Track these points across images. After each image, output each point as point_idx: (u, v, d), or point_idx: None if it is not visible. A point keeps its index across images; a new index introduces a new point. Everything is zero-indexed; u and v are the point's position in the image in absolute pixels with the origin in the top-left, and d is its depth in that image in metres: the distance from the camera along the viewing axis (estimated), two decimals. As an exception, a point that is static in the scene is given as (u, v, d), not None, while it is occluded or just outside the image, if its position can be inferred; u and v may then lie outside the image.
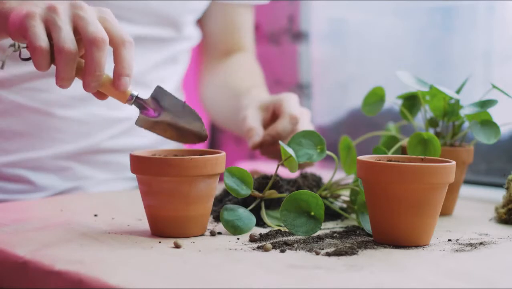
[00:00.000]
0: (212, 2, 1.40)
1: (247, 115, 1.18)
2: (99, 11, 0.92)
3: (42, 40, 0.87)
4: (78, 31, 0.89)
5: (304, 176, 1.06)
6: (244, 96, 1.29)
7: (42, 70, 0.89)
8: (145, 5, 1.26)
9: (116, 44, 0.90)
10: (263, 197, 0.97)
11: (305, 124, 1.16)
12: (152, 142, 1.35)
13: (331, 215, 1.01)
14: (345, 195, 1.03)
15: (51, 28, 0.88)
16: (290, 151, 0.93)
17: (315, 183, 1.06)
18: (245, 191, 0.93)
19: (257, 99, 1.23)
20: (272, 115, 1.19)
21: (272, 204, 0.99)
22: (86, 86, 0.89)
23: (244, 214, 0.93)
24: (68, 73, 0.88)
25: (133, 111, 1.29)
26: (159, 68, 1.34)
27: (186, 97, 1.48)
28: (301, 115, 1.15)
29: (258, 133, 1.15)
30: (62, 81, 0.89)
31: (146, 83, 1.33)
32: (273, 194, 0.97)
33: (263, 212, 0.96)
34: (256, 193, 0.96)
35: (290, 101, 1.17)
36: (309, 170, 1.18)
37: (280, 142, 0.95)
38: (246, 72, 1.42)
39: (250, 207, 0.95)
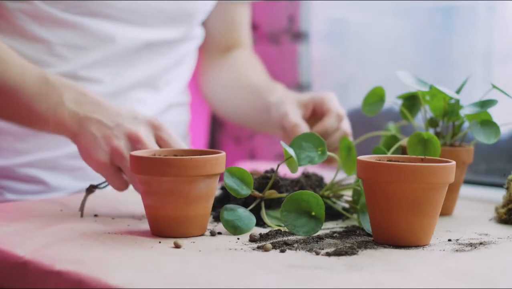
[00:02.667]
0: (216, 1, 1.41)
1: (288, 111, 1.19)
2: (154, 128, 1.03)
3: (122, 185, 1.03)
4: None
5: (306, 176, 1.06)
6: (270, 93, 1.29)
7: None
8: (158, 8, 1.26)
9: None
10: (263, 197, 0.97)
11: (346, 122, 1.18)
12: None
13: (332, 215, 1.01)
14: (347, 195, 1.03)
15: (124, 171, 1.01)
16: (291, 151, 0.93)
17: (317, 182, 1.06)
18: (245, 191, 0.93)
19: (293, 96, 1.24)
20: (312, 113, 1.20)
21: (272, 204, 0.99)
22: None
23: (244, 214, 0.93)
24: None
25: (146, 111, 1.29)
26: (167, 71, 1.34)
27: (192, 96, 1.48)
28: (343, 114, 1.18)
29: (304, 130, 1.15)
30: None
31: (155, 86, 1.33)
32: (273, 194, 0.97)
33: (263, 212, 0.96)
34: (256, 193, 0.96)
35: (333, 100, 1.19)
36: (310, 169, 1.18)
37: (281, 142, 0.95)
38: (255, 68, 1.43)
39: (250, 207, 0.95)
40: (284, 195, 0.97)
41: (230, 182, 0.92)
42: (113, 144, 1.01)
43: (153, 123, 1.03)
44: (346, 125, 1.18)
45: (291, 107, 1.19)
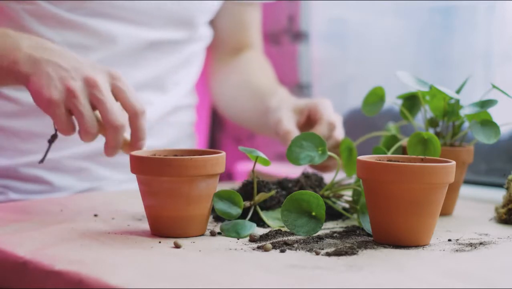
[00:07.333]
0: (223, 1, 1.41)
1: (282, 117, 1.18)
2: (111, 78, 1.00)
3: (69, 128, 0.99)
4: (96, 108, 0.99)
5: (307, 176, 1.06)
6: (271, 97, 1.29)
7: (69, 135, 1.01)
8: (160, 8, 1.27)
9: (131, 116, 1.00)
10: (255, 203, 0.96)
11: (339, 130, 1.17)
12: (169, 143, 1.35)
13: (332, 215, 1.01)
14: (348, 195, 1.03)
15: (73, 112, 0.98)
16: (254, 152, 0.93)
17: (317, 182, 1.06)
18: (235, 211, 0.92)
19: (290, 102, 1.23)
20: (307, 119, 1.20)
21: (266, 203, 0.99)
22: (107, 154, 1.01)
23: (243, 222, 0.92)
24: (91, 140, 1.01)
25: (150, 113, 1.30)
26: (174, 71, 1.34)
27: (199, 98, 1.48)
28: (337, 121, 1.17)
29: None
30: (87, 141, 1.01)
31: (162, 87, 1.33)
32: (262, 197, 0.96)
33: (263, 215, 0.96)
34: (247, 203, 0.96)
35: (327, 107, 1.18)
36: (310, 169, 1.18)
37: (240, 147, 0.95)
38: (262, 71, 1.43)
39: (248, 218, 0.95)
40: (272, 192, 0.97)
41: (220, 206, 0.92)
42: (68, 83, 0.98)
43: (111, 73, 1.01)
44: (339, 134, 1.17)
45: (285, 113, 1.19)
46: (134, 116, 1.00)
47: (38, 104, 0.99)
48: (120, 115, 0.98)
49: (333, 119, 1.16)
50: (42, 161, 1.05)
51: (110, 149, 1.00)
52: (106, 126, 0.98)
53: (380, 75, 1.60)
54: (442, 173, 0.85)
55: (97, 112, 1.00)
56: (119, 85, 1.00)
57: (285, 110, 1.20)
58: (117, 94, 1.00)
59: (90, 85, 0.98)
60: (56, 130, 1.01)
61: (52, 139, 1.03)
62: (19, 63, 1.00)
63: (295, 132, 1.16)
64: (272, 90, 1.32)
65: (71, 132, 1.00)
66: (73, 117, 0.99)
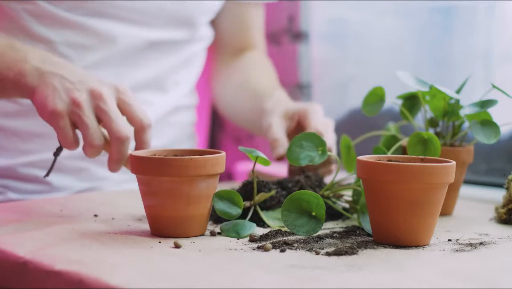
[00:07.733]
0: (224, 1, 1.41)
1: (272, 124, 1.19)
2: (117, 91, 1.00)
3: (73, 142, 0.99)
4: (101, 122, 0.99)
5: (306, 176, 1.06)
6: (267, 98, 1.29)
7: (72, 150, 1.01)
8: (161, 7, 1.27)
9: (137, 129, 1.01)
10: (254, 203, 0.96)
11: (329, 137, 1.17)
12: (169, 143, 1.35)
13: (332, 214, 1.01)
14: (348, 195, 1.03)
15: (78, 124, 0.98)
16: (254, 152, 0.93)
17: (317, 182, 1.06)
18: (235, 211, 0.92)
19: (281, 106, 1.23)
20: (297, 124, 1.20)
21: (266, 203, 0.99)
22: (110, 169, 1.01)
23: (243, 222, 0.92)
24: (96, 155, 1.00)
25: (150, 113, 1.29)
26: (174, 71, 1.34)
27: (199, 98, 1.48)
28: (325, 128, 1.16)
29: (283, 145, 1.15)
30: (91, 156, 1.00)
31: (162, 87, 1.33)
32: (262, 196, 0.96)
33: (263, 215, 0.96)
34: (247, 203, 0.96)
35: (316, 114, 1.18)
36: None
37: (239, 147, 0.95)
38: (263, 71, 1.43)
39: (248, 218, 0.95)
40: (272, 192, 0.98)
41: (220, 206, 0.92)
42: (74, 95, 0.98)
43: (117, 87, 1.01)
44: (328, 140, 1.15)
45: (276, 119, 1.19)
46: (141, 130, 1.01)
47: (42, 116, 0.99)
48: (125, 127, 0.98)
49: (320, 128, 1.15)
50: (47, 174, 1.04)
51: (114, 163, 1.00)
52: (110, 138, 0.98)
53: (380, 75, 1.60)
54: (442, 173, 0.85)
55: (104, 130, 1.00)
56: (125, 99, 1.01)
57: (276, 116, 1.20)
58: (123, 108, 1.00)
59: (95, 97, 0.98)
60: (60, 143, 1.01)
61: (57, 152, 1.03)
62: (25, 75, 1.01)
63: (283, 140, 1.16)
64: (269, 92, 1.32)
65: (74, 146, 1.00)
66: (78, 131, 1.00)
